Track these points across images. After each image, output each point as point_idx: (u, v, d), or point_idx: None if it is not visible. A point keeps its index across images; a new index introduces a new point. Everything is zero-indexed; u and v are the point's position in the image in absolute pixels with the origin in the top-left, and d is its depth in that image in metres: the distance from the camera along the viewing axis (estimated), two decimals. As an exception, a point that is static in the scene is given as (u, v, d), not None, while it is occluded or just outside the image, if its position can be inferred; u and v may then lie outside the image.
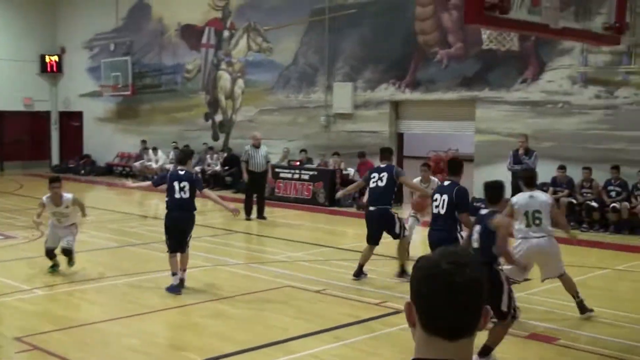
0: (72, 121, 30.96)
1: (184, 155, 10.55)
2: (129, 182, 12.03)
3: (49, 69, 30.88)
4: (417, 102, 19.37)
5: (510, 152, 15.86)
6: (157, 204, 21.06)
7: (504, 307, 6.75)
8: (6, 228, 15.16)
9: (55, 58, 30.94)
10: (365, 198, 11.24)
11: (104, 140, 28.88)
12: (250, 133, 19.18)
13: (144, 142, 26.46)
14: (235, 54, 24.03)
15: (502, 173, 15.91)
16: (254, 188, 16.76)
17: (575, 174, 15.65)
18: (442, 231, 8.70)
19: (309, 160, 20.57)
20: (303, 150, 20.79)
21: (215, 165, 23.48)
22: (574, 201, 15.36)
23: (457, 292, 1.85)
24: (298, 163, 20.39)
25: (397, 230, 10.48)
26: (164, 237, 9.92)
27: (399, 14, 19.41)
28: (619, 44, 8.18)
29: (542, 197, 8.68)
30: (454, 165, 9.30)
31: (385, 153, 11.02)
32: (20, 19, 30.13)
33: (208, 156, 23.90)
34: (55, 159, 31.31)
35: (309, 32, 21.71)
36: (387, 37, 19.66)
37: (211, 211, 18.87)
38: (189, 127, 25.47)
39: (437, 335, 1.87)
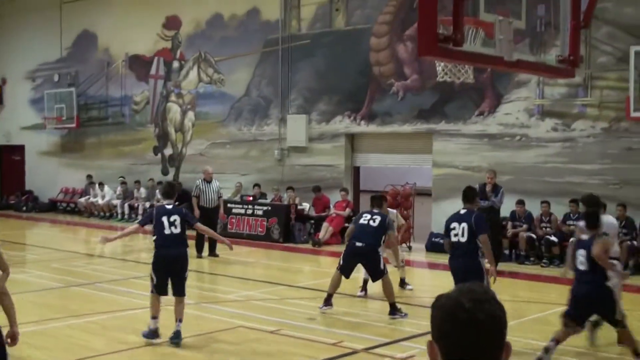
0: (13, 155, 30.51)
1: (170, 188, 10.28)
2: (111, 236, 11.46)
3: (-11, 101, 30.48)
4: (373, 135, 19.58)
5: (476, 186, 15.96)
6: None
7: (619, 317, 7.92)
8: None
9: (-4, 89, 30.57)
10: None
11: (47, 175, 28.49)
12: (201, 167, 19.14)
13: (89, 177, 26.19)
14: (185, 85, 24.04)
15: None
16: (205, 224, 16.63)
17: (533, 207, 15.92)
18: (464, 258, 9.20)
19: (263, 195, 20.57)
20: (256, 185, 20.79)
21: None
22: (533, 236, 15.61)
23: (479, 329, 1.96)
24: (251, 198, 20.39)
25: (381, 267, 10.65)
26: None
27: (353, 45, 19.67)
28: (574, 76, 8.40)
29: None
30: (469, 193, 9.78)
31: (377, 200, 11.49)
32: (-42, 48, 29.76)
33: (157, 191, 23.72)
34: (-5, 195, 30.75)
35: (262, 63, 21.86)
36: (342, 69, 19.89)
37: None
38: (138, 161, 25.31)
39: None
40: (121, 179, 24.81)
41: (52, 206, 27.79)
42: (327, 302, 10.78)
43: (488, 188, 15.25)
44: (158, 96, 24.97)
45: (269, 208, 19.69)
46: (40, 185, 28.80)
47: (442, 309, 2.04)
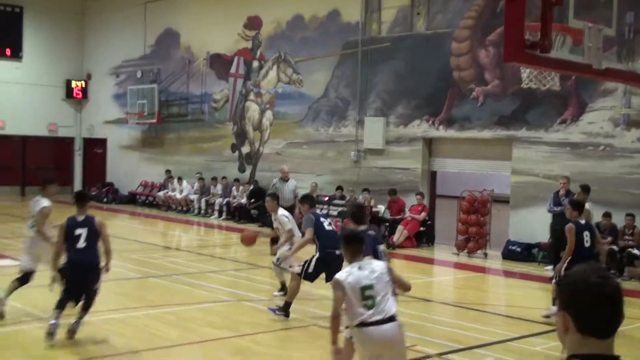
0: (96, 148, 31.45)
1: (358, 211, 8.92)
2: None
3: (74, 95, 31.50)
4: (451, 140, 19.45)
5: (551, 194, 15.78)
6: (180, 235, 21.29)
7: None
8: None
9: (82, 84, 31.58)
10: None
11: (127, 168, 29.27)
12: (277, 166, 19.40)
13: (168, 171, 26.79)
14: (265, 85, 24.35)
15: (540, 215, 15.93)
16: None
17: (616, 219, 15.55)
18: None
19: (342, 197, 20.65)
20: (339, 187, 20.83)
21: (241, 197, 23.68)
22: (615, 248, 15.25)
23: (607, 300, 2.36)
24: (327, 198, 20.50)
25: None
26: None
27: (434, 49, 19.58)
28: (664, 86, 8.23)
29: None
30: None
31: (313, 200, 11.63)
32: (48, 43, 30.85)
33: (234, 188, 24.13)
34: (77, 186, 31.71)
35: (341, 65, 21.96)
36: (421, 72, 19.82)
37: (235, 244, 19.01)
38: (215, 158, 25.75)
39: (591, 336, 2.37)
40: (198, 175, 25.29)
41: (132, 199, 28.51)
42: (287, 313, 10.35)
43: (561, 193, 15.14)
44: (237, 95, 25.35)
45: (345, 209, 19.77)
46: (121, 178, 29.59)
47: (574, 284, 2.40)
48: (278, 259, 11.54)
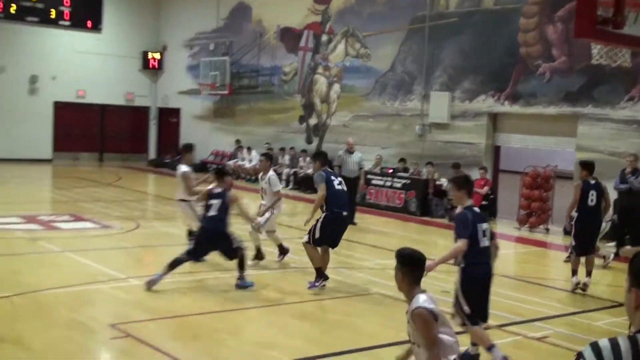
0: (170, 117, 31.90)
1: (467, 184, 7.50)
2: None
3: (150, 66, 31.95)
4: (516, 115, 19.08)
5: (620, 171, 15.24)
6: (248, 203, 21.46)
7: None
8: (104, 217, 15.75)
9: (157, 55, 31.99)
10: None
11: (199, 137, 29.56)
12: (343, 138, 19.35)
13: (238, 141, 27.02)
14: (333, 58, 24.25)
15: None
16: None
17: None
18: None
19: (405, 170, 20.55)
20: (402, 160, 20.76)
21: (307, 168, 23.74)
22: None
23: None
24: (391, 171, 20.41)
25: None
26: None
27: (501, 24, 19.18)
28: None
29: None
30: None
31: (326, 157, 10.71)
32: (126, 16, 31.32)
33: (301, 159, 24.20)
34: (152, 154, 32.31)
35: (408, 40, 21.71)
36: (488, 48, 19.45)
37: (302, 214, 19.08)
38: (284, 129, 25.85)
39: None
40: (267, 145, 25.43)
41: (203, 167, 28.78)
42: (323, 276, 10.06)
43: (628, 170, 14.68)
44: (306, 68, 25.32)
45: (408, 181, 19.67)
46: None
47: None
48: (257, 225, 11.02)
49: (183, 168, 11.55)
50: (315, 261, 10.07)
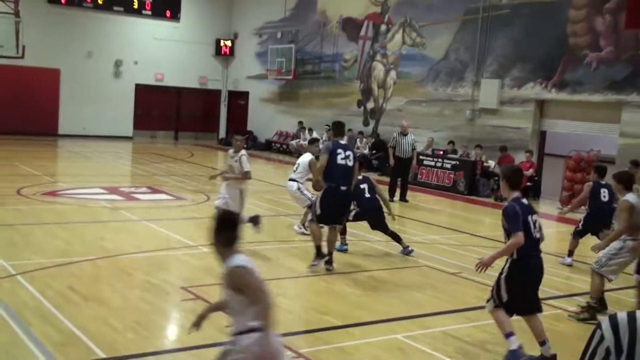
0: (239, 100, 32.13)
1: (515, 176, 6.52)
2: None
3: (222, 52, 32.16)
4: (562, 102, 18.64)
5: None
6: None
7: None
8: (177, 190, 15.99)
9: (229, 42, 32.17)
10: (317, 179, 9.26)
11: (265, 118, 29.79)
12: (398, 121, 19.19)
13: (300, 122, 27.07)
14: (391, 47, 24.03)
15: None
16: (399, 172, 16.79)
17: None
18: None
19: (454, 152, 20.32)
20: (451, 142, 20.56)
21: (364, 149, 23.66)
22: None
23: None
24: (442, 152, 20.20)
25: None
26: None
27: (552, 15, 18.69)
28: None
29: None
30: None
31: (340, 128, 9.50)
32: (201, 6, 31.55)
33: (358, 140, 24.13)
34: (222, 133, 32.63)
35: (461, 30, 21.35)
36: (538, 38, 19.00)
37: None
38: (343, 112, 25.76)
39: None
40: (327, 126, 25.38)
41: (268, 145, 29.06)
42: (320, 255, 9.27)
43: None
44: (365, 55, 25.16)
45: (457, 163, 19.44)
46: (260, 127, 30.16)
47: None
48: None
49: (309, 156, 11.87)
50: (315, 239, 9.28)
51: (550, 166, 19.64)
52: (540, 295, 8.62)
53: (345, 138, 9.50)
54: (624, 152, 16.88)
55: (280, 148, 28.22)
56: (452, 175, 19.38)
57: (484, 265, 6.12)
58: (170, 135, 31.76)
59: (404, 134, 16.89)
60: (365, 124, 24.92)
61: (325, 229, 9.52)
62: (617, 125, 17.23)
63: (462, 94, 21.16)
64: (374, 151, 22.86)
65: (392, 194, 16.60)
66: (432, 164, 19.88)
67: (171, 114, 31.72)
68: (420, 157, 19.67)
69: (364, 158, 23.12)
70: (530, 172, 18.22)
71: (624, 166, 16.67)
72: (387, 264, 10.06)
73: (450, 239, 12.55)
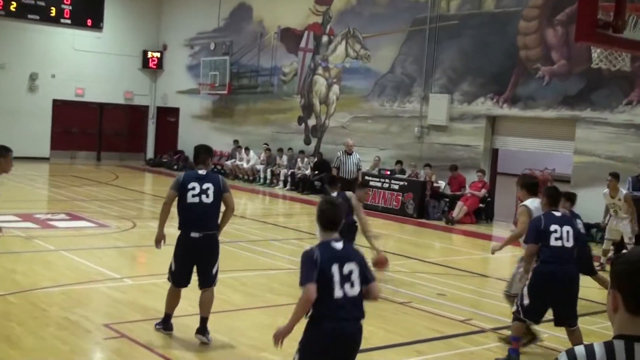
0: (168, 116, 31.84)
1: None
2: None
3: (150, 65, 31.88)
4: (514, 118, 19.05)
5: (628, 178, 15.04)
6: (245, 203, 21.43)
7: None
8: (100, 216, 15.69)
9: (157, 54, 31.92)
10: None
11: (198, 137, 29.43)
12: (342, 139, 19.31)
13: (236, 141, 26.96)
14: (333, 59, 24.20)
15: (600, 196, 15.52)
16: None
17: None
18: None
19: (402, 172, 20.51)
20: (399, 161, 20.74)
21: (305, 169, 23.69)
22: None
23: None
24: (388, 172, 20.37)
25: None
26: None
27: (501, 27, 19.14)
28: None
29: None
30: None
31: (201, 154, 7.84)
32: (126, 15, 31.25)
33: (299, 160, 24.15)
34: (150, 153, 32.25)
35: (408, 42, 21.66)
36: (488, 50, 19.42)
37: (299, 214, 19.09)
38: (282, 130, 25.80)
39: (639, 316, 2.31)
40: (265, 145, 25.37)
41: (201, 167, 28.79)
42: (166, 324, 7.82)
43: None
44: (306, 68, 25.27)
45: (405, 183, 19.61)
46: (191, 146, 29.71)
47: (626, 263, 2.33)
48: None
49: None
50: (167, 305, 7.80)
51: (504, 186, 20.01)
52: (493, 324, 8.72)
53: (205, 170, 7.61)
54: (579, 171, 17.32)
55: (214, 169, 27.97)
56: (400, 197, 19.53)
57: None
58: (92, 156, 31.22)
59: (348, 153, 16.99)
60: (307, 142, 24.97)
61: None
62: (571, 142, 17.67)
63: (409, 109, 21.43)
64: (316, 172, 22.90)
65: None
66: (379, 185, 20.01)
67: (93, 133, 31.20)
68: (366, 177, 19.77)
69: (306, 179, 23.19)
70: (483, 192, 18.52)
71: (579, 186, 17.13)
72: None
73: (399, 266, 12.61)
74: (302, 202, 21.39)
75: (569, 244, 7.10)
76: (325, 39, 24.57)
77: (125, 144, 32.11)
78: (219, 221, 7.62)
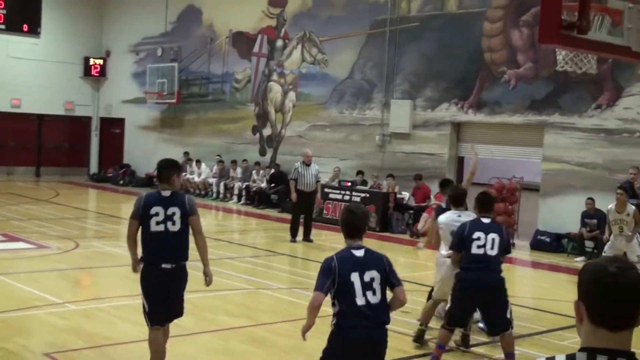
0: (113, 128, 31.55)
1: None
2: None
3: (92, 73, 31.59)
4: (480, 125, 19.26)
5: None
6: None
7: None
8: (39, 237, 15.46)
9: (100, 61, 31.64)
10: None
11: (145, 149, 29.32)
12: (299, 149, 19.31)
13: (186, 153, 26.79)
14: (288, 65, 24.23)
15: (571, 204, 15.81)
16: (301, 208, 16.81)
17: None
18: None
19: (363, 183, 20.58)
20: (360, 172, 20.80)
21: (261, 182, 23.65)
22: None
23: (621, 292, 2.32)
24: (349, 184, 20.42)
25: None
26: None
27: (465, 29, 19.36)
28: None
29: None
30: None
31: (163, 170, 7.11)
32: (66, 19, 30.92)
33: (254, 172, 24.10)
34: (93, 167, 31.90)
35: (367, 45, 21.79)
36: (451, 54, 19.62)
37: (255, 231, 19.04)
38: (235, 140, 25.73)
39: (603, 327, 2.34)
40: (218, 157, 25.27)
41: (149, 181, 28.53)
42: None
43: (637, 185, 14.84)
44: (260, 75, 25.26)
45: (367, 195, 19.68)
46: (138, 159, 29.66)
47: (589, 272, 2.38)
48: None
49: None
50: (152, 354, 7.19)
51: (471, 196, 20.18)
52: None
53: (169, 191, 6.94)
54: (548, 179, 17.57)
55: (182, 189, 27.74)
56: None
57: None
58: (30, 172, 30.75)
59: (306, 164, 16.97)
60: (262, 153, 24.94)
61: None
62: (540, 148, 17.92)
63: (370, 117, 21.53)
64: (272, 184, 22.88)
65: (294, 233, 16.61)
66: (339, 197, 20.06)
67: (31, 146, 30.76)
68: (326, 189, 19.82)
69: (262, 193, 23.14)
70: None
71: (549, 194, 17.38)
72: (289, 315, 9.99)
73: (361, 283, 12.62)
74: (258, 217, 21.33)
75: (493, 251, 7.50)
76: (279, 43, 24.61)
77: (67, 158, 31.70)
78: (198, 252, 7.17)
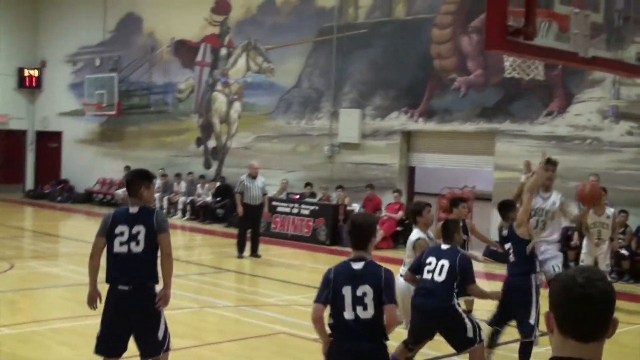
0: (50, 142, 31.11)
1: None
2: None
3: (27, 84, 31.13)
4: (431, 133, 19.44)
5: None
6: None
7: None
8: (-28, 258, 15.15)
9: (35, 72, 31.21)
10: None
11: (84, 164, 28.96)
12: (246, 161, 19.26)
13: (127, 167, 26.48)
14: (233, 74, 24.19)
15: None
16: (248, 222, 16.75)
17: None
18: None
19: (312, 195, 20.59)
20: (308, 184, 20.81)
21: (206, 195, 23.52)
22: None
23: (587, 302, 2.39)
24: (297, 196, 20.43)
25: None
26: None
27: (413, 36, 19.55)
28: (655, 76, 8.23)
29: None
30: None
31: (130, 185, 6.90)
32: (-2, 28, 30.43)
33: (199, 185, 23.97)
34: (29, 184, 31.42)
35: (314, 53, 21.87)
36: (400, 61, 19.78)
37: (200, 247, 18.91)
38: (179, 153, 25.57)
39: (572, 338, 2.41)
40: (161, 171, 25.07)
41: (88, 197, 28.24)
42: None
43: None
44: (203, 85, 25.17)
45: (316, 208, 19.70)
46: (77, 174, 29.29)
47: (559, 283, 2.46)
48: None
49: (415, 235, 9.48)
50: None
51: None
52: (418, 357, 8.83)
53: (137, 207, 6.65)
54: (500, 188, 17.77)
55: (103, 199, 27.48)
56: (310, 223, 19.61)
57: None
58: (-38, 189, 30.17)
59: (253, 176, 16.93)
60: (207, 166, 24.82)
61: None
62: (491, 157, 18.15)
63: (318, 127, 21.59)
64: (218, 198, 22.78)
65: (241, 248, 16.55)
66: (288, 210, 20.05)
67: (-38, 162, 30.18)
68: (273, 203, 19.78)
69: (207, 207, 23.01)
70: (400, 214, 18.78)
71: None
72: (236, 333, 9.95)
73: (311, 299, 12.60)
74: (203, 233, 21.20)
75: (440, 277, 7.50)
76: (224, 51, 24.56)
77: (0, 175, 31.15)
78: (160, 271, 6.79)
